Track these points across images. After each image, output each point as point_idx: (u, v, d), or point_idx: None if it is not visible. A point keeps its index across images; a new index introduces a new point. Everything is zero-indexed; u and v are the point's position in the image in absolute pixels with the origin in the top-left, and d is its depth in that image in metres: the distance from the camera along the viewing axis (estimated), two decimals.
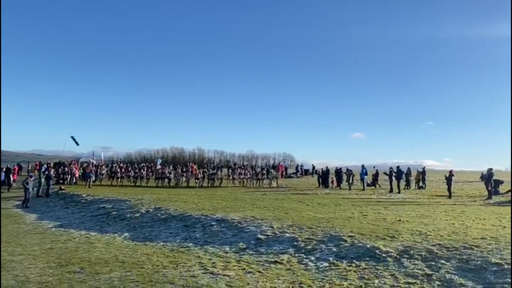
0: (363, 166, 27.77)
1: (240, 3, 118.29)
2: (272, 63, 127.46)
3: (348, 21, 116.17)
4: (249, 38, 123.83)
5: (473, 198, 20.89)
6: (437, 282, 6.36)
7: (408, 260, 7.47)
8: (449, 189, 21.51)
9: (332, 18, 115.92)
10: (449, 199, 20.21)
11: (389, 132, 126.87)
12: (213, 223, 12.06)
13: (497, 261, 6.87)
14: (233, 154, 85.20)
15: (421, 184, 28.58)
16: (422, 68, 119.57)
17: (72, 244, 10.60)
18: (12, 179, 28.33)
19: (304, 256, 8.34)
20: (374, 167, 30.45)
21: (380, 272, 7.02)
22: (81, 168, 31.24)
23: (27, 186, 20.22)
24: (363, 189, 26.43)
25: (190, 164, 41.63)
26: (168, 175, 31.22)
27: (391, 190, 24.72)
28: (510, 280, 6.09)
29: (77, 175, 29.90)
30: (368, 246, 8.39)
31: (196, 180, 30.83)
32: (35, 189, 22.91)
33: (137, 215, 14.91)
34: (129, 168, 32.36)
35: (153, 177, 31.08)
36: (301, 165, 40.21)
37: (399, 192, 23.98)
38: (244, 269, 7.58)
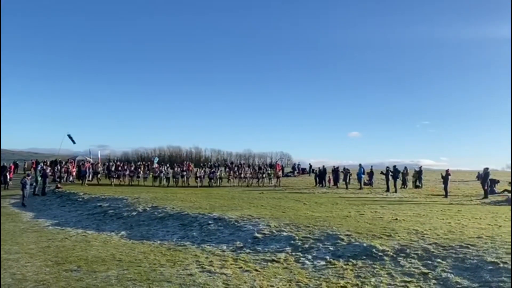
0: (360, 165, 27.81)
1: (238, 3, 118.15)
2: (269, 62, 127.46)
3: (345, 22, 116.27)
4: (246, 37, 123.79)
5: (469, 197, 20.96)
6: (433, 281, 6.40)
7: (405, 259, 7.51)
8: (445, 188, 21.56)
9: (330, 18, 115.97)
10: (445, 198, 20.26)
11: (385, 131, 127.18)
12: (210, 222, 12.07)
13: (492, 260, 6.92)
14: (230, 153, 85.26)
15: (417, 183, 28.64)
16: (419, 67, 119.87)
17: (69, 242, 10.59)
18: (8, 177, 28.21)
19: (301, 255, 8.37)
20: (371, 166, 30.53)
21: (377, 271, 7.06)
22: (77, 166, 31.11)
23: (25, 185, 20.13)
24: (360, 188, 26.47)
25: (187, 162, 41.61)
26: (166, 174, 30.30)
27: (387, 189, 24.75)
28: (505, 278, 6.13)
29: (74, 173, 29.78)
30: (364, 245, 8.43)
31: (197, 180, 29.84)
32: (31, 188, 22.81)
33: (134, 213, 14.90)
34: (125, 167, 31.75)
35: (151, 176, 30.62)
36: (298, 164, 40.25)
37: (396, 191, 24.02)
38: (241, 267, 7.60)
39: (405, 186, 27.95)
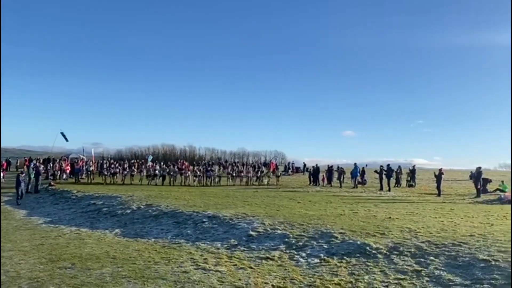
0: (355, 164, 27.92)
1: (237, 2, 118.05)
2: (264, 61, 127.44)
3: (341, 22, 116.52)
4: (240, 36, 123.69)
5: (462, 196, 21.13)
6: (426, 278, 6.46)
7: (398, 257, 7.58)
8: (438, 187, 21.71)
9: (326, 19, 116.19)
10: (438, 197, 20.40)
11: (379, 130, 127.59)
12: (204, 220, 12.09)
13: (484, 257, 7.00)
14: (224, 152, 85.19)
15: (411, 182, 28.81)
16: (414, 68, 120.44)
17: (63, 240, 10.56)
18: (2, 175, 28.06)
19: (295, 253, 8.42)
20: (366, 165, 30.66)
21: (370, 268, 7.12)
22: (70, 164, 30.94)
23: (20, 183, 19.97)
24: (355, 187, 26.58)
25: (182, 160, 41.54)
26: (162, 172, 29.18)
27: (381, 188, 24.88)
28: (496, 276, 6.21)
29: (67, 171, 29.62)
30: (358, 242, 8.49)
31: (195, 178, 29.06)
32: (24, 186, 22.67)
33: (128, 211, 14.88)
34: (117, 164, 31.14)
35: (145, 174, 29.32)
36: (292, 163, 40.30)
37: (389, 190, 24.14)
38: (236, 265, 7.63)
39: (399, 185, 28.13)
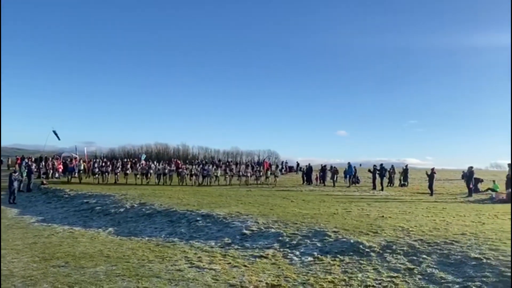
0: (349, 164, 28.07)
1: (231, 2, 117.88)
2: (257, 60, 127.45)
3: (335, 22, 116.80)
4: (236, 35, 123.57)
5: (454, 195, 21.30)
6: (419, 276, 6.53)
7: (391, 255, 7.64)
8: (430, 187, 21.87)
9: (319, 19, 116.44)
10: (430, 196, 20.55)
11: (372, 130, 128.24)
12: (198, 219, 12.10)
13: (476, 256, 7.08)
14: (217, 151, 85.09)
15: (403, 181, 29.01)
16: (406, 68, 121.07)
17: (56, 238, 10.51)
18: None
19: (289, 251, 8.46)
20: (360, 165, 30.83)
21: (364, 267, 7.17)
22: (63, 163, 30.75)
23: (13, 182, 19.81)
24: (348, 186, 26.72)
25: (175, 159, 41.46)
26: (157, 171, 28.35)
27: (373, 188, 25.04)
28: (488, 274, 6.28)
29: (60, 170, 29.42)
30: (352, 241, 8.55)
31: (192, 177, 28.14)
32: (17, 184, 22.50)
33: (122, 210, 14.86)
34: (108, 163, 30.27)
35: (139, 173, 28.61)
36: (286, 162, 40.35)
37: (382, 190, 24.28)
38: (230, 263, 7.65)
39: (392, 185, 28.30)
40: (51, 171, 29.01)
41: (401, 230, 9.46)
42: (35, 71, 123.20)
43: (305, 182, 29.35)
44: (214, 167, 31.88)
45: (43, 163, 29.68)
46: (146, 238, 10.64)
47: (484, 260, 6.81)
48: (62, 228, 12.42)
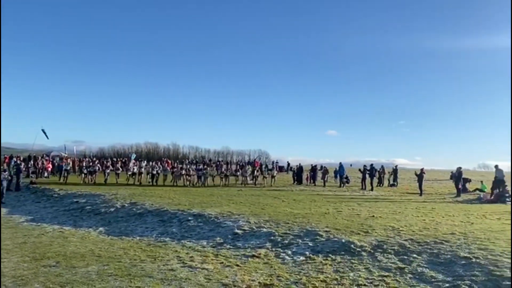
0: (341, 164, 28.26)
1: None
2: (248, 61, 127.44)
3: (325, 23, 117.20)
4: (226, 35, 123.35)
5: (443, 195, 21.54)
6: (409, 275, 6.61)
7: (382, 254, 7.72)
8: (420, 187, 22.09)
9: (310, 20, 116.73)
10: (420, 196, 20.75)
11: (362, 130, 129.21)
12: (190, 218, 12.08)
13: (465, 255, 7.19)
14: (208, 150, 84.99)
15: (393, 181, 29.28)
16: (395, 69, 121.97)
17: (46, 238, 10.42)
18: None
19: (281, 250, 8.50)
20: (351, 165, 31.02)
21: (355, 266, 7.23)
22: (55, 162, 30.47)
23: (2, 181, 19.56)
24: (339, 186, 26.89)
25: (165, 159, 41.30)
26: (151, 170, 26.87)
27: (362, 187, 25.24)
28: (477, 273, 6.39)
29: (49, 169, 29.12)
30: (343, 240, 8.61)
31: (188, 178, 26.77)
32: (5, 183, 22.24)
33: (112, 209, 14.77)
34: (96, 162, 29.59)
35: (131, 172, 27.09)
36: (276, 162, 40.35)
37: (372, 190, 24.46)
38: (222, 263, 7.66)
39: (381, 185, 28.53)
40: (40, 170, 28.70)
41: (392, 230, 9.56)
42: (22, 69, 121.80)
43: (296, 182, 29.43)
44: (210, 167, 30.34)
45: (32, 162, 29.36)
46: (137, 238, 10.59)
47: (474, 260, 6.92)
48: (52, 228, 12.30)
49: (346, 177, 28.80)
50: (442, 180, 34.83)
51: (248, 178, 28.25)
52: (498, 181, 19.17)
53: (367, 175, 25.55)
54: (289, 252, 8.33)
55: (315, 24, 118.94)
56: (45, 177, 28.49)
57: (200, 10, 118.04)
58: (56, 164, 30.70)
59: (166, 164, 30.85)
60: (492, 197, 18.34)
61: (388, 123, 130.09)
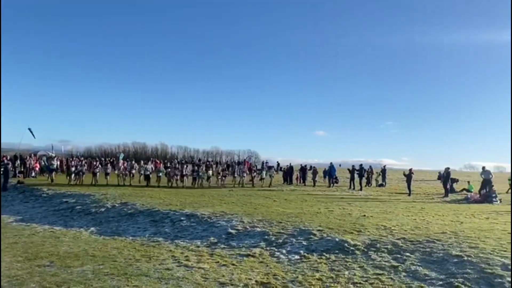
0: (331, 164, 28.46)
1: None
2: (235, 60, 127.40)
3: (312, 22, 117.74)
4: (214, 33, 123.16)
5: (431, 195, 21.84)
6: (404, 273, 6.71)
7: (375, 253, 7.82)
8: (408, 187, 22.36)
9: (299, 18, 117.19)
10: (408, 196, 21.02)
11: (350, 130, 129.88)
12: (182, 218, 12.08)
13: (457, 253, 7.32)
14: (197, 150, 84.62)
15: (381, 181, 29.60)
16: (383, 70, 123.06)
17: (37, 238, 10.31)
18: None
19: (276, 250, 8.55)
20: (340, 165, 31.23)
21: (350, 264, 7.32)
22: (41, 161, 30.09)
23: None
24: (329, 186, 27.08)
25: (154, 159, 41.05)
26: (145, 171, 25.78)
27: (350, 187, 25.51)
28: (469, 270, 6.52)
29: (37, 168, 28.77)
30: (337, 239, 8.70)
31: (183, 178, 25.56)
32: None
33: (103, 209, 14.69)
34: (84, 162, 29.05)
35: (122, 173, 26.05)
36: (266, 162, 40.43)
37: (361, 189, 24.69)
38: (218, 262, 7.68)
39: (370, 185, 28.80)
40: (28, 170, 28.33)
41: (384, 229, 9.68)
42: (6, 67, 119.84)
43: (286, 182, 29.55)
44: (208, 167, 29.78)
45: (19, 162, 28.98)
46: (130, 238, 10.55)
47: (465, 258, 7.06)
48: (42, 228, 12.18)
49: (335, 177, 29.02)
50: (429, 181, 35.26)
51: (246, 179, 27.51)
52: (486, 182, 19.54)
53: (355, 175, 25.81)
54: (284, 251, 8.39)
55: (303, 24, 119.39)
56: (33, 176, 28.14)
57: (191, 8, 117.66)
58: (44, 163, 30.30)
59: (156, 165, 30.54)
60: (480, 197, 18.64)
61: (376, 123, 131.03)
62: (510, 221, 11.33)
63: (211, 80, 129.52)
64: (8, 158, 29.69)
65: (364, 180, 27.08)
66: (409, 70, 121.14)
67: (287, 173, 30.11)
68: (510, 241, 7.85)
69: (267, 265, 7.45)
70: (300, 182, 29.11)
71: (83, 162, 29.45)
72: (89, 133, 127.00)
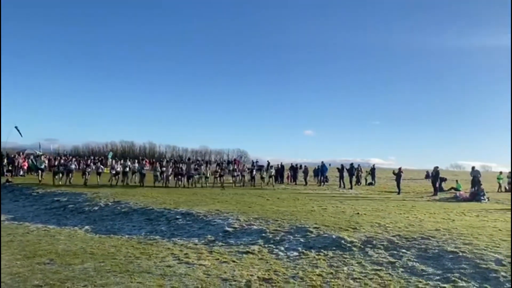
0: (323, 163, 28.72)
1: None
2: (224, 58, 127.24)
3: (301, 21, 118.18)
4: (202, 31, 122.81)
5: (420, 194, 22.14)
6: (401, 269, 6.88)
7: (372, 250, 7.99)
8: (398, 186, 22.62)
9: (288, 17, 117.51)
10: (398, 195, 21.27)
11: (337, 130, 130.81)
12: (178, 217, 12.11)
13: (452, 249, 7.53)
14: (185, 149, 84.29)
15: (371, 180, 29.95)
16: (370, 70, 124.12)
17: (32, 237, 10.26)
18: None
19: (274, 247, 8.66)
20: (330, 164, 31.48)
21: (348, 260, 7.47)
22: (29, 160, 29.76)
23: None
24: (319, 185, 27.34)
25: (143, 158, 40.84)
26: (140, 170, 24.68)
27: (340, 186, 25.78)
28: (465, 266, 6.72)
29: (25, 167, 28.46)
30: (333, 236, 8.85)
31: (181, 178, 24.74)
32: None
33: (96, 208, 14.64)
34: (73, 160, 28.55)
35: (114, 172, 24.29)
36: (256, 161, 40.52)
37: (351, 188, 24.95)
38: (218, 259, 7.75)
39: (359, 183, 29.11)
40: (16, 168, 28.01)
41: (378, 226, 9.85)
42: None
43: (277, 181, 29.67)
44: (203, 166, 28.38)
45: (7, 160, 28.60)
46: (126, 236, 10.55)
47: (460, 254, 7.26)
48: (35, 227, 12.10)
49: (326, 176, 29.28)
50: (416, 180, 35.77)
51: (245, 178, 27.01)
52: (476, 181, 19.98)
53: (344, 174, 26.11)
54: (282, 248, 8.50)
55: (291, 22, 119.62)
56: (21, 175, 27.85)
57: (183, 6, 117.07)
58: (32, 162, 29.97)
59: (146, 164, 30.33)
60: (468, 196, 19.00)
61: (363, 123, 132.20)
62: (500, 218, 11.64)
63: (200, 79, 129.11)
64: None
65: (354, 179, 27.36)
66: (396, 70, 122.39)
67: (278, 172, 30.24)
68: (510, 241, 7.99)
69: (267, 262, 7.56)
70: (291, 181, 29.29)
71: (73, 160, 29.08)
72: (76, 131, 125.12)
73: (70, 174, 23.70)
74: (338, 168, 27.72)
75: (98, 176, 24.23)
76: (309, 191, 22.14)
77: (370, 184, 29.36)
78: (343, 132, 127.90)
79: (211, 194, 18.67)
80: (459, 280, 6.18)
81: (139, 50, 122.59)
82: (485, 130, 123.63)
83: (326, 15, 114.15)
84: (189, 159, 48.91)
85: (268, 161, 33.71)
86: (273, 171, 27.51)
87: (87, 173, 23.50)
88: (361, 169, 30.85)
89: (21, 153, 32.64)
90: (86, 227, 12.13)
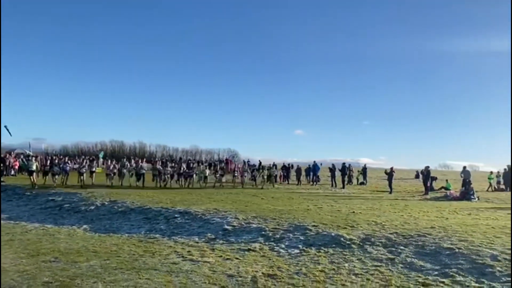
0: (315, 163, 29.00)
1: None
2: (215, 58, 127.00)
3: (290, 22, 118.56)
4: (194, 31, 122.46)
5: (412, 193, 22.52)
6: (400, 265, 7.10)
7: (371, 247, 8.20)
8: (390, 185, 22.96)
9: (275, 19, 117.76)
10: (390, 194, 21.61)
11: (328, 130, 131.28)
12: (176, 216, 12.23)
13: (448, 246, 7.77)
14: (176, 149, 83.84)
15: (361, 180, 30.33)
16: (359, 70, 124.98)
17: (32, 236, 10.28)
18: None
19: (275, 244, 8.83)
20: (321, 164, 31.77)
21: (348, 257, 7.67)
22: (20, 160, 29.53)
23: None
24: (311, 185, 27.60)
25: (135, 158, 40.68)
26: (139, 170, 23.78)
27: (332, 185, 26.09)
28: (462, 261, 6.96)
29: (16, 167, 28.25)
30: (332, 234, 9.05)
31: (179, 178, 24.69)
32: None
33: (93, 207, 14.68)
34: (67, 160, 27.65)
35: (111, 173, 23.88)
36: (248, 161, 40.71)
37: (343, 187, 25.25)
38: (221, 256, 7.90)
39: (351, 183, 29.45)
40: (7, 168, 27.77)
41: (375, 224, 10.08)
42: None
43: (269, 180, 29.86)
44: (202, 166, 27.83)
45: None
46: (126, 235, 10.62)
47: (457, 250, 7.51)
48: (33, 226, 12.11)
49: (317, 176, 29.57)
50: (407, 179, 36.24)
51: (246, 178, 26.44)
52: (466, 181, 20.41)
53: (336, 173, 26.44)
54: (283, 246, 8.68)
55: (281, 23, 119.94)
56: (12, 175, 27.64)
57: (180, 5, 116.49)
58: (22, 162, 29.73)
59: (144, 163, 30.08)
60: (459, 195, 19.38)
61: (353, 123, 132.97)
62: (491, 217, 11.96)
63: (189, 79, 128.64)
64: None
65: (346, 179, 27.69)
66: (385, 70, 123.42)
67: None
68: (510, 240, 8.14)
69: (270, 259, 7.72)
70: (283, 181, 29.50)
71: (66, 160, 28.81)
72: (64, 130, 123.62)
73: (66, 175, 23.20)
74: (329, 168, 28.05)
75: (91, 176, 23.69)
76: (302, 191, 22.38)
77: (362, 183, 29.74)
78: (333, 132, 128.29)
79: (206, 194, 18.79)
80: (457, 275, 6.41)
81: (129, 49, 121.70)
82: (473, 130, 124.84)
83: (322, 15, 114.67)
84: (180, 158, 48.82)
85: (259, 160, 33.93)
86: (276, 171, 27.21)
87: (84, 175, 22.76)
88: (352, 168, 31.19)
89: (12, 153, 32.31)
90: (84, 226, 12.18)
